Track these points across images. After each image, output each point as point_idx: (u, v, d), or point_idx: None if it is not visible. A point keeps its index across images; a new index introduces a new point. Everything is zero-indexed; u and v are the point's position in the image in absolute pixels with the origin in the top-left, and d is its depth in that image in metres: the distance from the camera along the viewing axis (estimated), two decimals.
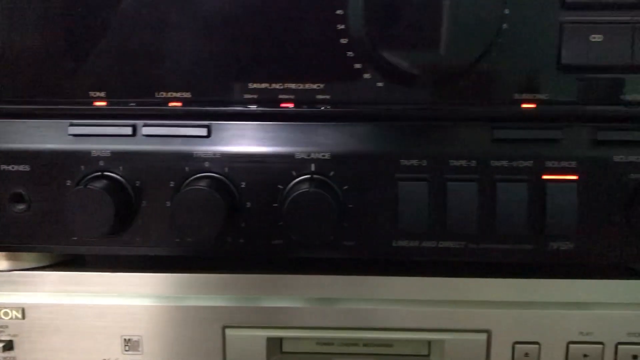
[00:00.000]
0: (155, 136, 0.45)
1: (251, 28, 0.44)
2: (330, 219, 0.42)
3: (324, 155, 0.45)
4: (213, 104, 0.45)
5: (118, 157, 0.45)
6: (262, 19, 0.43)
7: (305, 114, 0.45)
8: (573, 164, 0.44)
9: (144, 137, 0.46)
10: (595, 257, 0.45)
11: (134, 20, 0.44)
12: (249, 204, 0.45)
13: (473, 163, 0.44)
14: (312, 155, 0.45)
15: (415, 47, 0.40)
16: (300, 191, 0.42)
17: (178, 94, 0.45)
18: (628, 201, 0.44)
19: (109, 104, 0.45)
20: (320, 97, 0.44)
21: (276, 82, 0.44)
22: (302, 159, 0.45)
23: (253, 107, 0.45)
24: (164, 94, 0.45)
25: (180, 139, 0.45)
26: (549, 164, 0.44)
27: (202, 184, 0.44)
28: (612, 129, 0.44)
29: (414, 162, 0.44)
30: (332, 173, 0.45)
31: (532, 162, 0.44)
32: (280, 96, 0.44)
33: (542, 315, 0.47)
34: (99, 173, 0.45)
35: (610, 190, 0.44)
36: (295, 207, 0.42)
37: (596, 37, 0.42)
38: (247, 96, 0.44)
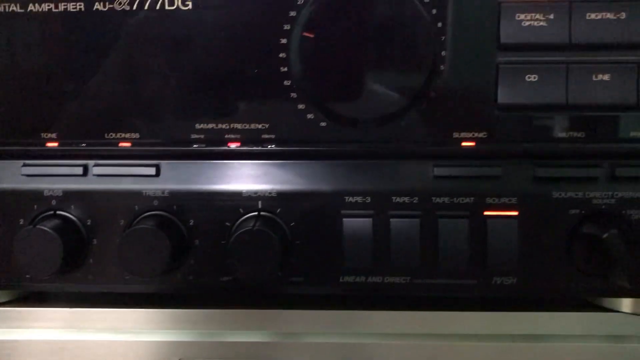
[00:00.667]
0: (106, 176, 0.46)
1: (197, 70, 0.45)
2: (274, 257, 0.43)
3: (270, 193, 0.46)
4: (161, 144, 0.46)
5: (70, 197, 0.46)
6: (208, 61, 0.45)
7: (251, 153, 0.46)
8: (513, 200, 0.45)
9: (94, 176, 0.47)
10: (538, 291, 0.46)
11: (84, 64, 0.45)
12: (197, 242, 0.46)
13: (415, 200, 0.45)
14: (259, 193, 0.46)
15: (349, 91, 0.41)
16: (244, 229, 0.43)
17: (127, 135, 0.46)
18: (568, 236, 0.45)
19: (61, 144, 0.46)
20: (265, 136, 0.45)
21: (222, 122, 0.45)
22: (249, 196, 0.46)
23: (200, 147, 0.46)
24: (113, 135, 0.46)
25: (130, 178, 0.46)
26: (490, 200, 0.45)
27: (150, 223, 0.44)
28: (550, 166, 0.45)
29: (359, 199, 0.45)
30: (279, 210, 0.46)
31: (472, 198, 0.45)
32: (227, 136, 0.45)
33: (504, 348, 0.48)
34: (52, 212, 0.46)
35: (551, 225, 0.45)
36: (240, 244, 0.43)
37: (531, 77, 0.43)
38: (194, 136, 0.46)
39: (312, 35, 0.40)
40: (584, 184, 0.45)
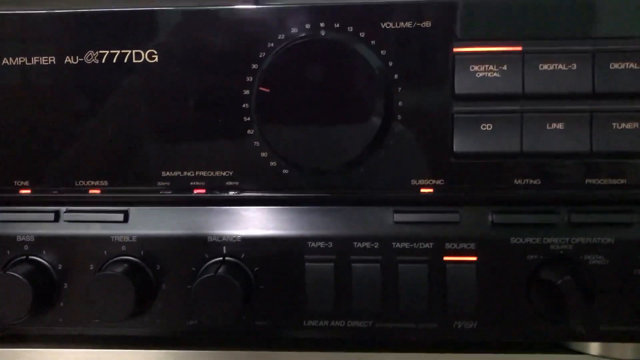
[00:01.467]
0: (76, 221, 0.48)
1: (164, 119, 0.46)
2: (236, 302, 0.44)
3: (235, 239, 0.47)
4: (129, 191, 0.47)
5: (42, 242, 0.48)
6: (174, 111, 0.46)
7: (216, 200, 0.47)
8: (472, 245, 0.46)
9: (65, 222, 0.48)
10: (499, 335, 0.46)
11: (55, 115, 0.47)
12: (164, 286, 0.47)
13: (376, 245, 0.46)
14: (224, 239, 0.47)
15: (305, 142, 0.43)
16: (206, 275, 0.44)
17: (96, 182, 0.47)
18: (527, 281, 0.45)
19: (33, 191, 0.48)
20: (229, 183, 0.47)
21: (188, 170, 0.47)
22: (214, 242, 0.47)
23: (166, 194, 0.47)
24: (83, 182, 0.47)
25: (99, 224, 0.48)
26: (449, 245, 0.46)
27: (117, 268, 0.46)
28: (507, 212, 0.46)
29: (321, 244, 0.46)
30: (243, 255, 0.47)
31: (432, 244, 0.46)
32: (192, 183, 0.47)
33: None
34: (24, 257, 0.48)
35: (510, 270, 0.46)
36: (201, 290, 0.44)
37: (486, 127, 0.44)
38: (160, 183, 0.47)
39: (267, 90, 0.41)
40: (542, 229, 0.45)
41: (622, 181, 0.45)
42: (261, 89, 0.41)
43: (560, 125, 0.44)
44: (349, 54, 0.42)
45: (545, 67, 0.44)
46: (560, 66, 0.43)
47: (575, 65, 0.43)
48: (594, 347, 0.50)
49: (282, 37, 0.44)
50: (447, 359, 0.49)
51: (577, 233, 0.45)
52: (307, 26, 0.44)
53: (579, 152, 0.44)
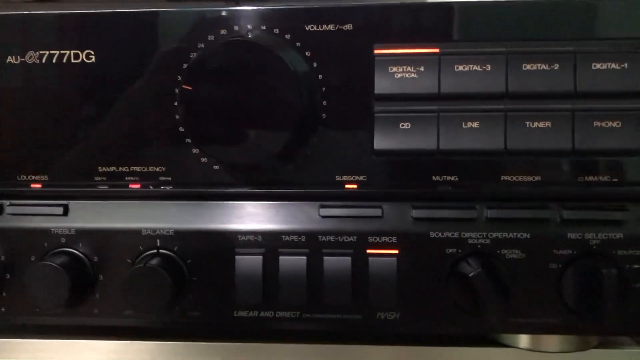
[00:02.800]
0: (19, 215, 0.50)
1: (100, 116, 0.48)
2: (165, 292, 0.46)
3: (168, 232, 0.49)
4: (68, 186, 0.49)
5: None
6: (110, 109, 0.48)
7: (150, 194, 0.49)
8: (393, 239, 0.47)
9: (9, 215, 0.50)
10: (420, 326, 0.48)
11: None
12: (101, 277, 0.49)
13: (303, 238, 0.48)
14: (158, 232, 0.49)
15: (230, 139, 0.44)
16: (136, 266, 0.46)
17: (37, 177, 0.49)
18: (446, 274, 0.47)
19: None
20: (162, 178, 0.49)
21: (123, 166, 0.49)
22: (149, 235, 0.49)
23: (103, 188, 0.49)
24: (25, 177, 0.49)
25: (40, 217, 0.50)
26: (371, 239, 0.47)
27: (56, 260, 0.48)
28: (426, 207, 0.47)
29: (250, 237, 0.48)
30: (176, 248, 0.49)
31: (355, 237, 0.48)
32: (127, 178, 0.49)
33: None
34: None
35: (430, 264, 0.47)
36: (133, 280, 0.46)
37: (405, 125, 0.46)
38: (97, 178, 0.49)
39: (190, 88, 0.43)
40: (460, 224, 0.47)
41: (537, 178, 0.46)
42: (184, 87, 0.43)
43: (475, 124, 0.46)
44: (270, 55, 0.43)
45: (461, 68, 0.45)
46: (475, 67, 0.45)
47: (489, 67, 0.45)
48: (523, 341, 0.51)
49: (212, 39, 0.46)
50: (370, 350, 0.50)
51: (494, 228, 0.47)
52: (236, 28, 0.47)
53: (494, 149, 0.46)
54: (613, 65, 0.45)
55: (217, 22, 0.47)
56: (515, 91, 0.45)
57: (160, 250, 0.49)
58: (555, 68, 0.45)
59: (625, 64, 0.45)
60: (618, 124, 0.45)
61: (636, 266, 0.46)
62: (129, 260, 0.49)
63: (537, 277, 0.47)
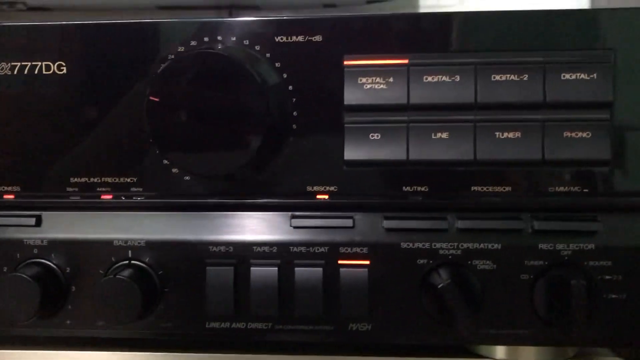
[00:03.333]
0: None
1: (73, 127, 0.49)
2: (134, 303, 0.46)
3: (139, 243, 0.49)
4: (41, 197, 0.49)
5: None
6: (82, 120, 0.48)
7: (122, 205, 0.49)
8: (365, 250, 0.47)
9: None
10: (393, 337, 0.48)
11: None
12: (74, 288, 0.49)
13: (275, 249, 0.48)
14: (129, 243, 0.49)
15: (199, 150, 0.44)
16: (106, 278, 0.46)
17: (10, 188, 0.50)
18: (418, 285, 0.47)
19: None
20: (134, 189, 0.49)
21: (95, 176, 0.49)
22: (120, 245, 0.49)
23: (75, 199, 0.49)
24: None
25: (13, 228, 0.50)
26: (343, 249, 0.47)
27: (28, 271, 0.48)
28: (397, 218, 0.47)
29: (222, 248, 0.48)
30: (148, 259, 0.49)
31: (327, 248, 0.47)
32: (99, 189, 0.49)
33: None
34: None
35: (401, 274, 0.47)
36: (102, 291, 0.46)
37: (374, 136, 0.46)
38: (69, 189, 0.49)
39: (157, 99, 0.43)
40: (431, 235, 0.47)
41: (508, 188, 0.46)
42: (151, 98, 0.43)
43: (444, 135, 0.46)
44: (236, 66, 0.43)
45: (430, 79, 0.45)
46: (444, 78, 0.45)
47: (458, 77, 0.45)
48: (500, 352, 0.51)
49: (182, 50, 0.47)
50: None
51: (465, 239, 0.47)
52: (206, 39, 0.47)
53: (464, 160, 0.46)
54: (582, 76, 0.45)
55: (187, 34, 0.47)
56: (484, 102, 0.45)
57: (132, 261, 0.48)
58: (525, 78, 0.45)
59: (595, 74, 0.45)
60: (588, 134, 0.45)
61: (608, 277, 0.46)
62: (101, 271, 0.49)
63: (509, 287, 0.47)
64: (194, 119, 0.44)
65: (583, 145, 0.45)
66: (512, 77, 0.45)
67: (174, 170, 0.48)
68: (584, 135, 0.45)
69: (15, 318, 0.47)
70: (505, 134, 0.45)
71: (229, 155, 0.45)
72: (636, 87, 0.45)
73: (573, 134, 0.45)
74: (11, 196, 0.50)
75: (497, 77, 0.45)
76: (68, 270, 0.49)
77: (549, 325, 0.46)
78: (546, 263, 0.46)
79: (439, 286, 0.45)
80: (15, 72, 0.48)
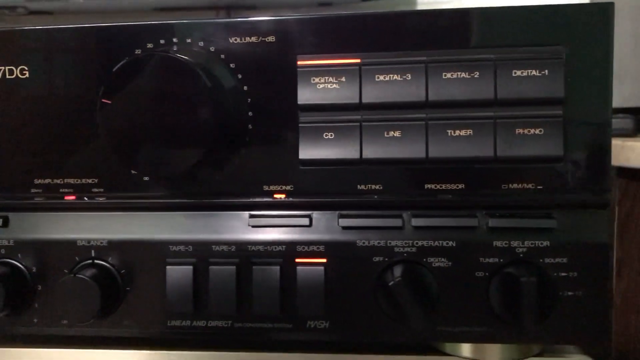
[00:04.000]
0: None
1: (35, 129, 0.50)
2: (93, 301, 0.47)
3: (102, 242, 0.50)
4: (7, 197, 0.51)
5: None
6: (44, 122, 0.50)
7: (84, 205, 0.50)
8: (321, 248, 0.48)
9: None
10: (351, 335, 0.48)
11: None
12: (40, 287, 0.50)
13: (233, 248, 0.48)
14: (92, 243, 0.50)
15: (152, 151, 0.45)
16: (65, 277, 0.47)
17: None
18: (373, 283, 0.47)
19: None
20: (95, 190, 0.50)
21: (58, 178, 0.50)
22: (84, 245, 0.50)
23: (39, 200, 0.50)
24: None
25: None
26: (300, 248, 0.48)
27: None
28: (353, 216, 0.48)
29: (181, 247, 0.49)
30: (110, 258, 0.49)
31: (284, 246, 0.48)
32: (62, 190, 0.50)
33: None
34: None
35: (357, 272, 0.47)
36: (62, 290, 0.47)
37: (328, 135, 0.47)
38: (34, 190, 0.50)
39: (109, 102, 0.44)
40: (386, 233, 0.47)
41: (461, 186, 0.46)
42: (103, 100, 0.44)
43: (397, 133, 0.46)
44: (186, 68, 0.44)
45: (382, 78, 0.46)
46: (395, 77, 0.46)
47: (409, 76, 0.45)
48: (466, 349, 0.51)
49: (139, 52, 0.47)
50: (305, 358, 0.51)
51: (420, 236, 0.47)
52: (162, 42, 0.48)
53: (416, 158, 0.46)
54: (534, 72, 0.45)
55: (144, 36, 0.48)
56: (435, 100, 0.45)
57: (95, 261, 0.49)
58: (476, 76, 0.45)
59: (546, 71, 0.45)
60: (540, 131, 0.45)
61: (563, 274, 0.46)
62: (65, 271, 0.50)
63: (464, 285, 0.47)
64: (144, 121, 0.45)
65: (535, 142, 0.45)
66: (463, 74, 0.45)
67: (133, 171, 0.49)
68: (537, 132, 0.45)
69: None
70: (457, 132, 0.45)
71: (180, 156, 0.45)
72: (588, 82, 0.45)
73: (525, 131, 0.45)
74: None
75: (448, 75, 0.45)
76: (34, 269, 0.50)
77: (505, 322, 0.46)
78: (501, 260, 0.46)
79: (390, 284, 0.45)
80: None
